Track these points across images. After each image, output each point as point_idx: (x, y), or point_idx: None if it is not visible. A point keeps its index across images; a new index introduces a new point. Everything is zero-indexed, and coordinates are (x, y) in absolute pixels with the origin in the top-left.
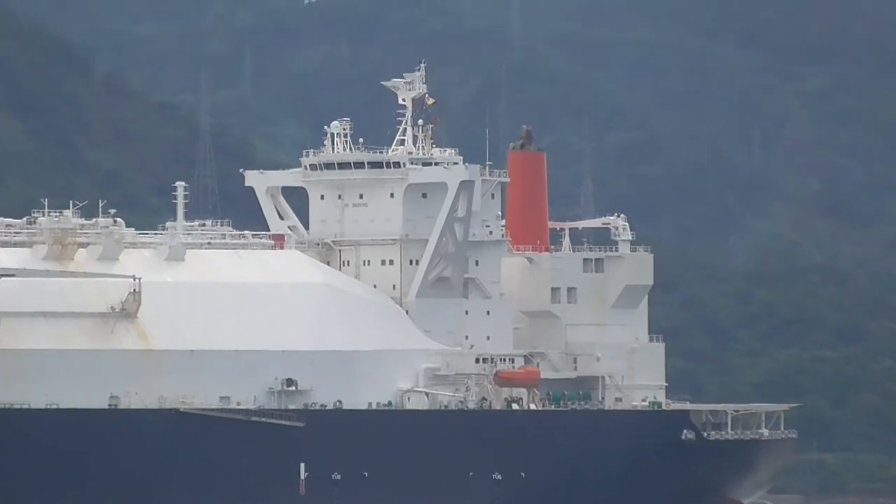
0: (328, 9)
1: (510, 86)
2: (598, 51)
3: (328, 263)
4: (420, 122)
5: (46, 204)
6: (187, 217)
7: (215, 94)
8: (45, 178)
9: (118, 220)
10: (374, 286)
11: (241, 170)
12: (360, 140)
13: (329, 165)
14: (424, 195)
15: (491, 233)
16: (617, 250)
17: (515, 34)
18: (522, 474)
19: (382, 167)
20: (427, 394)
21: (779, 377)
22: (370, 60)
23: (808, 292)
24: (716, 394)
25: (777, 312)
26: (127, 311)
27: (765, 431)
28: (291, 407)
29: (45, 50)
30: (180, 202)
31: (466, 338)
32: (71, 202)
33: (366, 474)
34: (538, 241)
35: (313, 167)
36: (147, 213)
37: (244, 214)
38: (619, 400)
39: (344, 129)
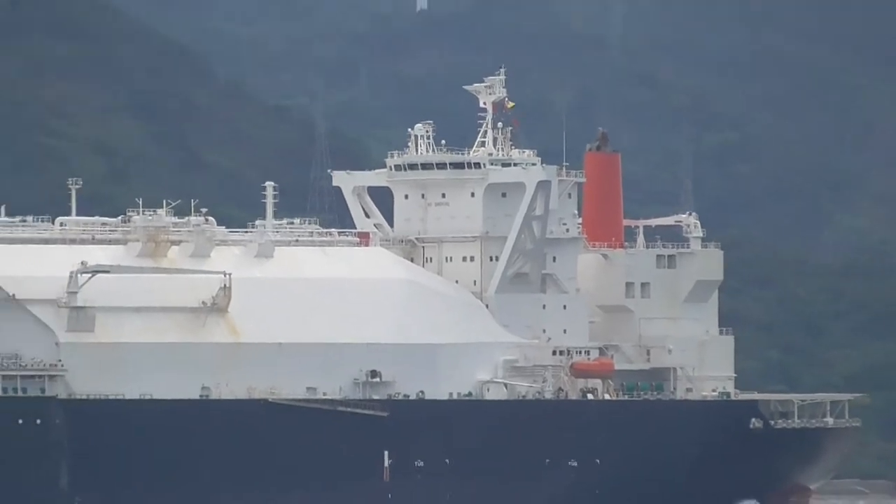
0: (438, 15)
1: (611, 88)
2: (696, 54)
3: (412, 260)
4: (500, 124)
5: (141, 203)
6: (303, 215)
7: (329, 97)
8: (166, 179)
9: (209, 218)
10: (456, 282)
11: (328, 170)
12: (443, 142)
13: (413, 166)
14: (504, 194)
15: (567, 230)
16: (688, 247)
17: (617, 39)
18: (597, 461)
19: (464, 168)
20: (506, 385)
21: (870, 369)
22: (476, 64)
23: None
24: (810, 384)
25: (868, 307)
26: (218, 306)
27: (829, 420)
28: (375, 397)
29: (166, 54)
30: (269, 201)
31: (544, 331)
32: (164, 201)
33: (447, 461)
34: (613, 239)
35: (398, 168)
36: (263, 212)
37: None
38: (689, 390)
39: (427, 132)
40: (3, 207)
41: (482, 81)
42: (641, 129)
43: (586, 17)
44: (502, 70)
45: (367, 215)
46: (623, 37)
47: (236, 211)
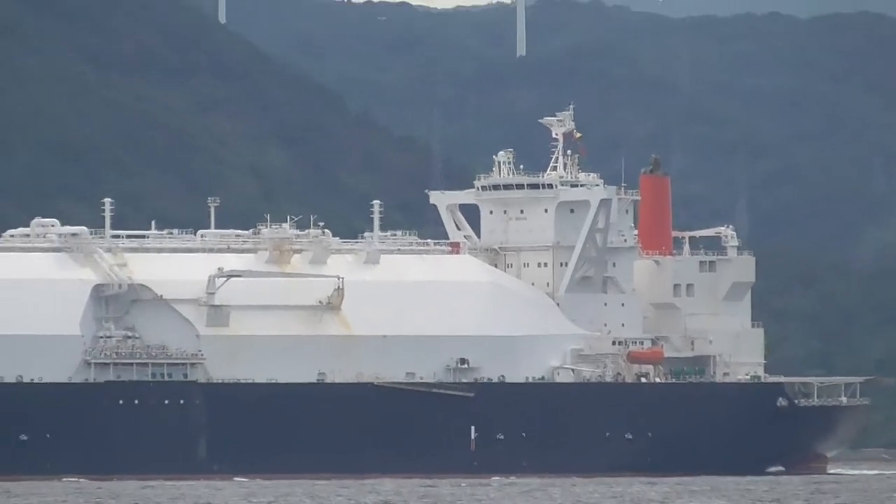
0: (534, 60)
1: (678, 122)
2: (749, 94)
3: (495, 266)
4: (569, 151)
5: (269, 217)
6: (421, 228)
7: (444, 129)
8: (308, 199)
9: (326, 230)
10: (532, 284)
11: (426, 190)
12: (521, 166)
13: (496, 187)
14: (572, 210)
15: (625, 241)
16: (726, 254)
17: (685, 82)
18: (649, 434)
19: (539, 188)
20: (573, 370)
21: None
22: (564, 101)
23: None
24: (846, 369)
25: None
26: (332, 305)
27: (844, 399)
28: (464, 381)
29: (309, 93)
30: (376, 216)
31: (605, 325)
32: (288, 217)
33: (524, 434)
34: (663, 247)
35: (484, 188)
36: (389, 227)
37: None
38: (726, 374)
39: (508, 158)
40: (153, 222)
41: (553, 115)
42: (703, 157)
43: (658, 63)
44: (571, 106)
45: (458, 228)
46: (687, 79)
47: (365, 224)
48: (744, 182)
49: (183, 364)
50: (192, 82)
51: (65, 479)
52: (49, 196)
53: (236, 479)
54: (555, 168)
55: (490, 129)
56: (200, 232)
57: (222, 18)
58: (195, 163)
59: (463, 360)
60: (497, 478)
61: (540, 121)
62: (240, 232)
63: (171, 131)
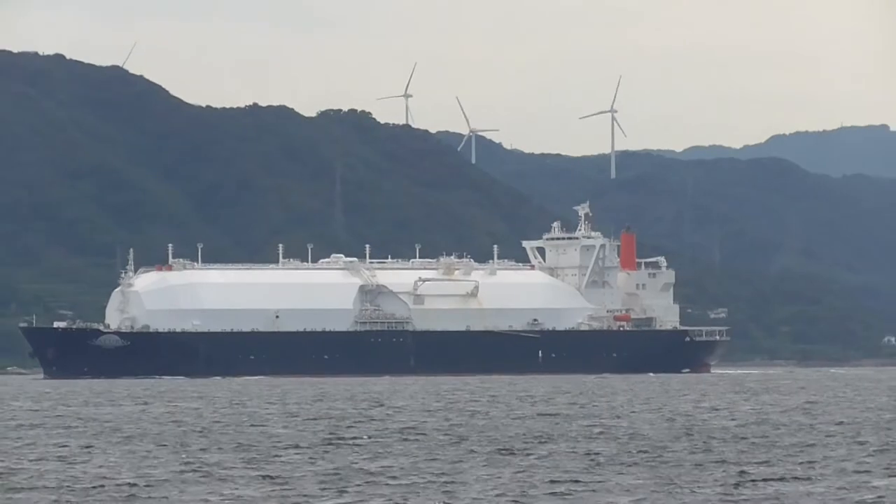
0: (620, 180)
1: (688, 209)
2: (721, 196)
3: (552, 276)
4: (587, 222)
5: (444, 252)
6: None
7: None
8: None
9: (471, 259)
10: (569, 284)
11: (521, 241)
12: (563, 228)
13: (553, 238)
14: (587, 249)
15: (613, 263)
16: (661, 269)
17: (689, 190)
18: (624, 354)
19: (572, 239)
20: (588, 324)
21: (786, 318)
22: (634, 203)
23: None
24: (762, 327)
25: (788, 291)
26: (473, 294)
27: (717, 337)
28: (536, 329)
29: (518, 198)
30: (495, 254)
31: (603, 303)
32: (454, 254)
33: (565, 354)
34: (631, 267)
35: (548, 238)
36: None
37: None
38: (661, 326)
39: (558, 225)
40: (388, 255)
41: (579, 206)
42: (696, 225)
43: (674, 181)
44: (588, 202)
45: (535, 257)
46: (691, 189)
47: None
48: (716, 237)
49: (402, 322)
50: (457, 193)
51: (345, 377)
52: (382, 248)
53: (430, 377)
54: (580, 229)
55: (598, 218)
56: (411, 260)
57: (473, 160)
58: (458, 231)
59: (535, 319)
60: (553, 375)
61: (573, 208)
62: (429, 260)
63: (450, 219)
